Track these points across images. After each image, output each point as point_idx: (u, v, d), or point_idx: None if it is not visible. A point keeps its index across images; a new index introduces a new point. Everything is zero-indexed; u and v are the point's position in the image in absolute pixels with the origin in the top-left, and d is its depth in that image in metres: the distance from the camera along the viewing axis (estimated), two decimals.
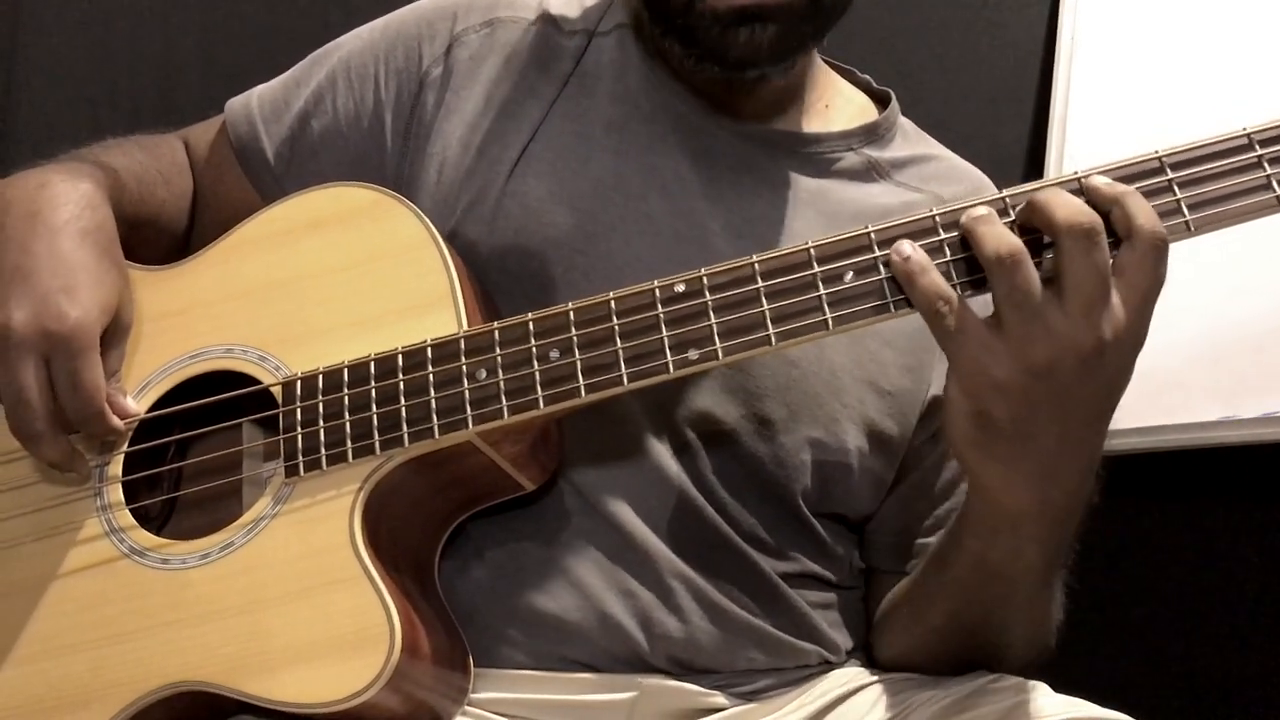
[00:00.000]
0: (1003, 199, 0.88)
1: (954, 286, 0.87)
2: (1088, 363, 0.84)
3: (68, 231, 1.04)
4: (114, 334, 1.05)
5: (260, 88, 1.26)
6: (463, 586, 1.06)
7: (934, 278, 0.86)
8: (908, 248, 0.87)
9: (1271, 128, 0.86)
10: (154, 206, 1.20)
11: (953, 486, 1.17)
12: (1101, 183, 0.85)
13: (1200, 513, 1.68)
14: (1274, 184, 0.85)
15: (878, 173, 1.20)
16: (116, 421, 1.01)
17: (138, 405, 1.04)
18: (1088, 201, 0.85)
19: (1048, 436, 0.87)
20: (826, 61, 1.27)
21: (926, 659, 1.11)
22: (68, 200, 1.06)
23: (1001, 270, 0.83)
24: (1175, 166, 0.86)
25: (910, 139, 1.26)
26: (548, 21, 1.22)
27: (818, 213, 1.15)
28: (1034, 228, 0.86)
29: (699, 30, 1.08)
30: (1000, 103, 1.80)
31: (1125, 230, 0.84)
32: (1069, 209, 0.83)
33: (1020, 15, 1.81)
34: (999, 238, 0.84)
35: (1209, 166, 0.86)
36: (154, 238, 1.20)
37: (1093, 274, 0.83)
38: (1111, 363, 0.85)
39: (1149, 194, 0.86)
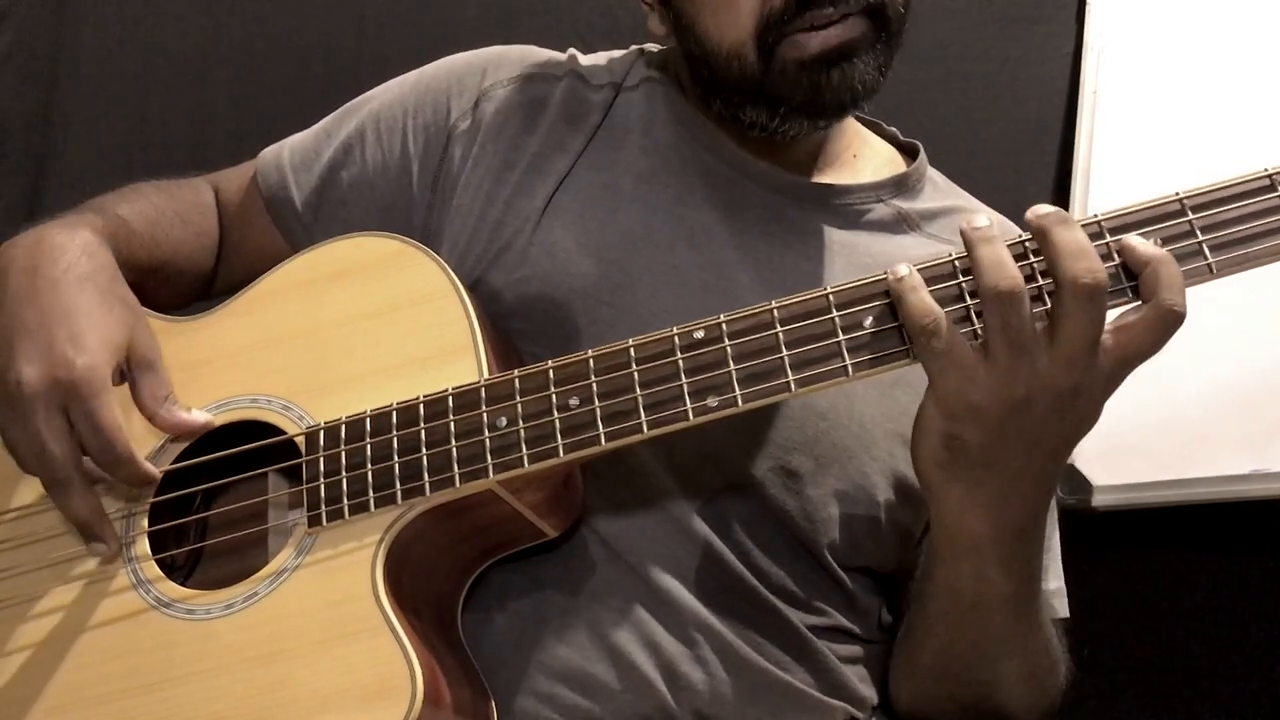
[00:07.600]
0: (1022, 242, 0.88)
1: (973, 333, 0.87)
2: (1062, 401, 0.85)
3: (66, 280, 1.05)
4: (137, 366, 1.05)
5: (292, 138, 1.29)
6: (486, 637, 1.05)
7: (923, 296, 0.86)
8: (904, 268, 0.88)
9: None
10: (169, 247, 1.21)
11: None
12: (1138, 243, 0.85)
13: (1231, 566, 1.66)
14: None
15: (908, 224, 1.20)
16: (148, 467, 1.01)
17: (165, 458, 1.05)
18: (1122, 259, 0.85)
19: (1010, 465, 0.89)
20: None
21: (932, 696, 1.10)
22: (65, 250, 1.07)
23: (998, 304, 0.84)
24: (1196, 209, 0.86)
25: (941, 190, 1.26)
26: (575, 76, 1.23)
27: (848, 264, 1.14)
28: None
29: (786, 88, 1.08)
30: (1024, 154, 1.81)
31: (1149, 292, 0.84)
32: (1079, 265, 0.83)
33: (1043, 68, 1.82)
34: (1000, 269, 0.84)
35: (1231, 208, 0.86)
36: (174, 277, 1.22)
37: (1087, 329, 0.83)
38: (1084, 403, 0.87)
39: (1171, 237, 0.86)
